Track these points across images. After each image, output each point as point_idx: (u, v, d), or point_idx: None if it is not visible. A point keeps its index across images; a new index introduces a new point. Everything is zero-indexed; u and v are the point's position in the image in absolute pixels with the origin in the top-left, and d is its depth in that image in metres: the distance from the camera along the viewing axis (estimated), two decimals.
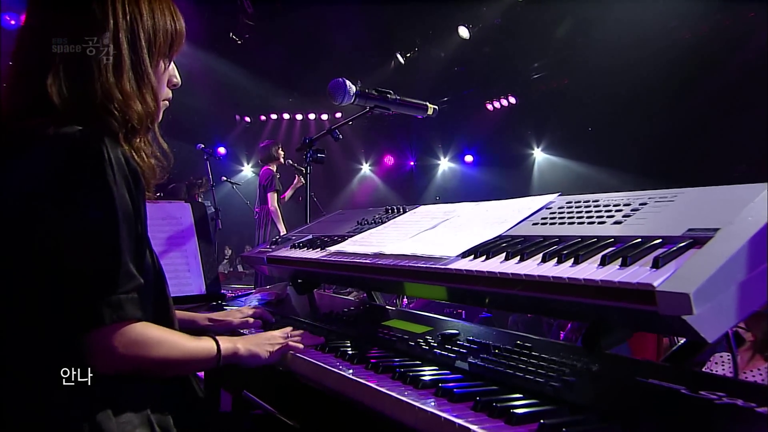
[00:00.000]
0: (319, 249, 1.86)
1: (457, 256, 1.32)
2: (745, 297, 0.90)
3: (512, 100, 10.67)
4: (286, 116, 12.81)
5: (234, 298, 2.20)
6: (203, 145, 6.20)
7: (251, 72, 10.88)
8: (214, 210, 5.77)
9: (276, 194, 6.12)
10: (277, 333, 1.46)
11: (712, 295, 0.87)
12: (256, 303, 2.10)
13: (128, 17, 1.23)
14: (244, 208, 9.05)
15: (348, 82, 2.06)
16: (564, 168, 11.53)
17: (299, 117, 12.86)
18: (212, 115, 12.12)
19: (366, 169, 14.62)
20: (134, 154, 1.22)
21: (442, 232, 1.59)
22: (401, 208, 2.03)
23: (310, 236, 2.17)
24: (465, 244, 1.37)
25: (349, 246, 1.73)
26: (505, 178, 12.16)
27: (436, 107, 2.21)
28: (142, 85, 1.25)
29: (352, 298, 1.95)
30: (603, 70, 8.76)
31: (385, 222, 1.93)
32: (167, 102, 1.37)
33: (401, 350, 1.34)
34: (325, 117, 12.69)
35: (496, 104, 10.86)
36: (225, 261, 12.19)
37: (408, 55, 10.03)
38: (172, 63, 1.35)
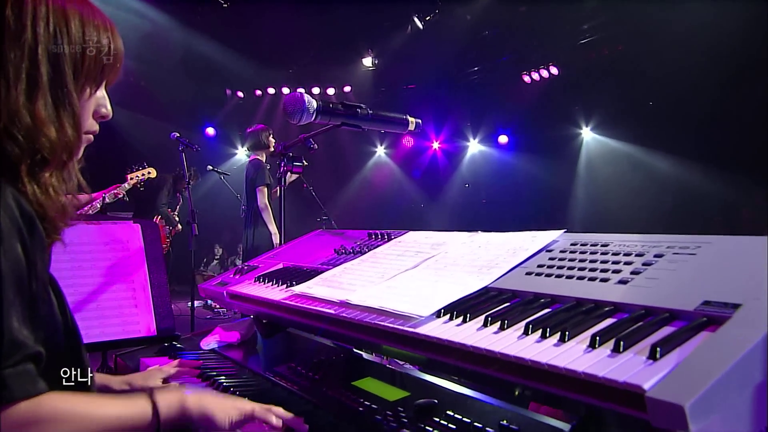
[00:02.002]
0: (285, 286, 1.85)
1: (431, 315, 1.28)
2: (764, 405, 0.85)
3: (554, 70, 10.48)
4: (285, 90, 12.79)
5: (190, 338, 2.19)
6: (178, 134, 6.20)
7: (243, 40, 10.88)
8: (189, 212, 5.79)
9: (266, 189, 6.11)
10: (257, 407, 1.33)
11: (718, 405, 0.81)
12: (215, 345, 2.09)
13: (51, 30, 1.21)
14: (238, 200, 9.11)
15: (307, 97, 2.02)
16: (617, 152, 11.32)
17: (301, 91, 12.82)
18: (198, 90, 12.18)
19: (381, 152, 14.58)
20: (38, 190, 1.19)
21: (422, 275, 1.55)
22: (386, 234, 2.01)
23: (281, 265, 2.15)
24: (443, 297, 1.34)
25: (316, 287, 1.70)
26: (546, 164, 12.02)
27: (419, 121, 2.15)
28: (62, 110, 1.22)
29: (329, 342, 1.92)
30: (667, 34, 8.50)
31: (365, 252, 1.91)
32: (91, 137, 1.34)
33: (367, 426, 1.32)
34: (331, 91, 12.66)
35: (535, 75, 10.67)
36: (215, 262, 12.31)
37: (427, 18, 9.89)
38: (102, 90, 1.33)
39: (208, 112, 12.93)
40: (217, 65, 11.56)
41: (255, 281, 2.03)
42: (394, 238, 1.97)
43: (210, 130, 13.14)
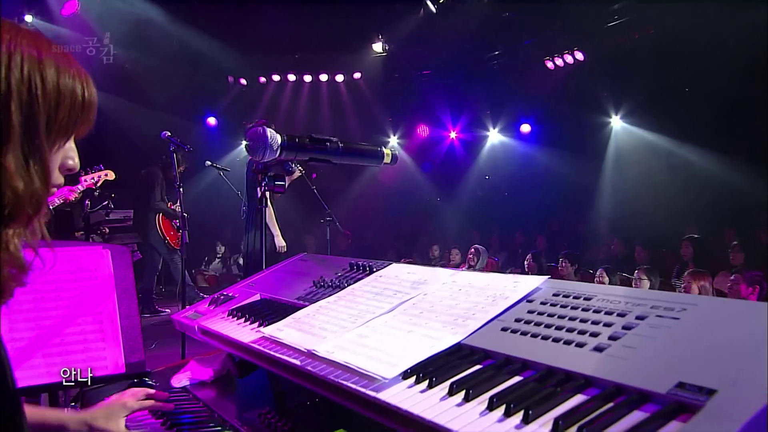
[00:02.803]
0: (257, 324, 1.85)
1: (397, 376, 1.28)
2: None
3: (579, 56, 10.35)
4: (291, 78, 12.79)
5: (163, 371, 2.21)
6: (169, 133, 6.21)
7: (245, 23, 10.89)
8: (180, 217, 5.79)
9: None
10: None
11: None
12: (187, 383, 2.10)
13: (26, 80, 1.20)
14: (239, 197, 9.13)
15: (270, 133, 1.98)
16: (649, 143, 11.17)
17: (308, 78, 12.83)
18: (198, 77, 12.22)
19: (394, 142, 14.54)
20: None
21: (396, 322, 1.55)
22: (368, 266, 2.01)
23: (257, 296, 2.16)
24: (412, 355, 1.33)
25: (286, 330, 1.70)
26: (572, 155, 11.90)
27: (396, 153, 2.12)
28: (32, 163, 1.21)
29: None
30: (702, 14, 8.30)
31: (344, 287, 1.91)
32: (55, 190, 1.34)
33: None
34: (340, 78, 12.65)
35: (558, 61, 10.56)
36: (217, 261, 12.40)
37: (440, 0, 9.83)
38: (71, 142, 1.33)
39: (209, 101, 12.98)
40: (217, 51, 11.58)
41: (228, 315, 2.03)
42: (376, 271, 1.97)
43: (211, 120, 13.20)
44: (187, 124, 12.34)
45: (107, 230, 9.80)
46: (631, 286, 6.71)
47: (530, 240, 11.09)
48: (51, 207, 5.57)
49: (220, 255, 12.44)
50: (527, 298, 1.44)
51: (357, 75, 12.60)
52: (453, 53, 11.68)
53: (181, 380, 2.10)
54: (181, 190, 5.95)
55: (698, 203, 9.81)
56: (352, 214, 13.68)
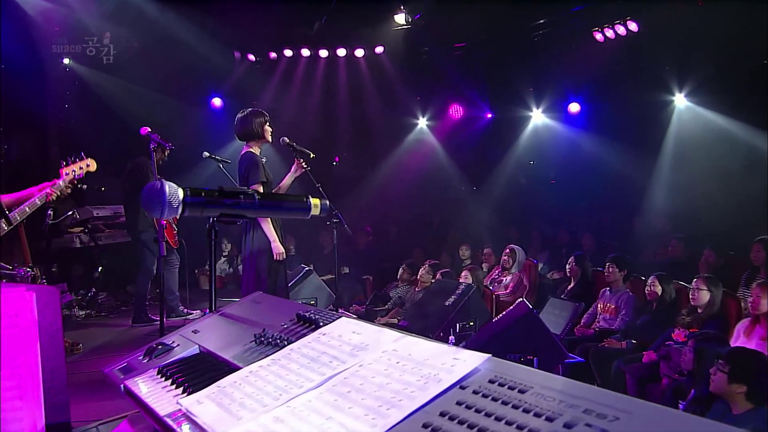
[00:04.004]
0: (181, 390, 1.86)
1: None
2: None
3: (632, 26, 10.14)
4: (305, 53, 12.79)
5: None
6: (150, 129, 6.25)
7: None
8: (157, 227, 5.81)
9: (261, 188, 6.13)
10: None
11: None
12: None
13: None
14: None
15: (169, 188, 1.91)
16: (716, 127, 10.87)
17: (324, 54, 12.81)
18: (201, 53, 12.26)
19: (423, 124, 14.48)
20: None
21: (319, 403, 1.54)
22: (315, 321, 2.01)
23: (196, 349, 2.17)
24: None
25: (206, 403, 1.69)
26: (626, 139, 11.72)
27: (327, 202, 2.07)
28: None
29: None
30: None
31: (283, 345, 1.92)
32: None
33: None
34: (360, 53, 12.60)
35: (608, 32, 10.36)
36: (223, 260, 12.53)
37: None
38: None
39: (214, 80, 13.05)
40: (223, 22, 11.62)
41: (158, 374, 2.04)
42: (322, 326, 1.96)
43: (216, 101, 13.29)
44: (189, 108, 12.48)
45: (104, 228, 10.03)
46: (687, 295, 6.59)
47: (576, 238, 10.93)
48: (31, 208, 5.63)
49: (227, 253, 12.57)
50: (461, 383, 1.41)
51: (379, 49, 12.51)
52: (489, 24, 11.52)
53: None
54: None
55: None
56: (374, 207, 13.71)
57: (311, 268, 9.16)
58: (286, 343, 1.92)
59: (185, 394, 1.80)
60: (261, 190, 6.07)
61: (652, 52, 10.68)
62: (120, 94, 11.47)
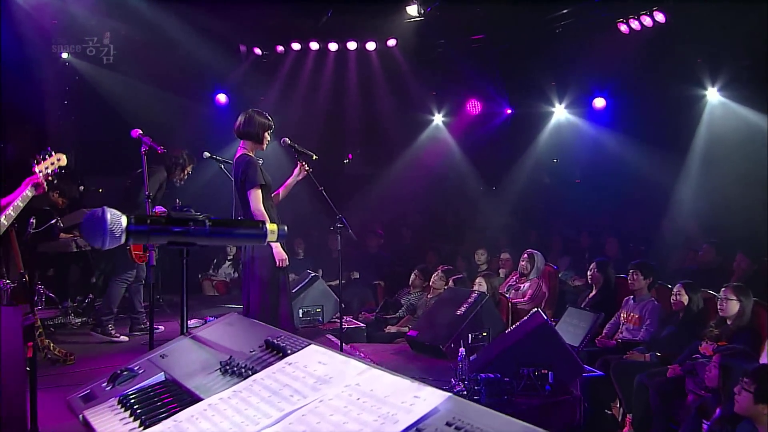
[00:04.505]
0: (137, 424, 1.85)
1: None
2: None
3: (659, 17, 10.03)
4: (314, 46, 12.77)
5: None
6: (141, 132, 6.25)
7: None
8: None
9: (260, 191, 6.12)
10: None
11: None
12: None
13: None
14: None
15: (111, 215, 1.84)
16: (751, 123, 10.73)
17: (333, 47, 12.78)
18: (205, 47, 12.29)
19: (438, 120, 14.43)
20: None
21: None
22: (283, 349, 2.00)
23: (162, 376, 2.17)
24: None
25: None
26: (655, 136, 11.61)
27: (285, 227, 2.04)
28: None
29: None
30: None
31: (248, 375, 1.92)
32: None
33: None
34: (371, 46, 12.55)
35: (634, 24, 10.26)
36: (227, 263, 12.55)
37: None
38: None
39: (219, 75, 13.08)
40: (227, 14, 11.62)
41: (118, 404, 2.04)
42: (290, 354, 1.96)
43: (221, 97, 13.32)
44: (192, 104, 12.52)
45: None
46: (716, 305, 6.50)
47: (599, 243, 10.82)
48: (24, 201, 5.65)
49: (231, 257, 12.58)
50: (418, 425, 1.40)
51: (391, 42, 12.46)
52: (508, 14, 11.44)
53: None
54: (150, 197, 5.97)
55: None
56: (386, 207, 13.69)
57: (317, 274, 9.12)
58: (250, 372, 1.92)
59: (142, 427, 1.79)
60: (259, 193, 6.08)
61: (682, 43, 10.55)
62: (120, 93, 11.54)
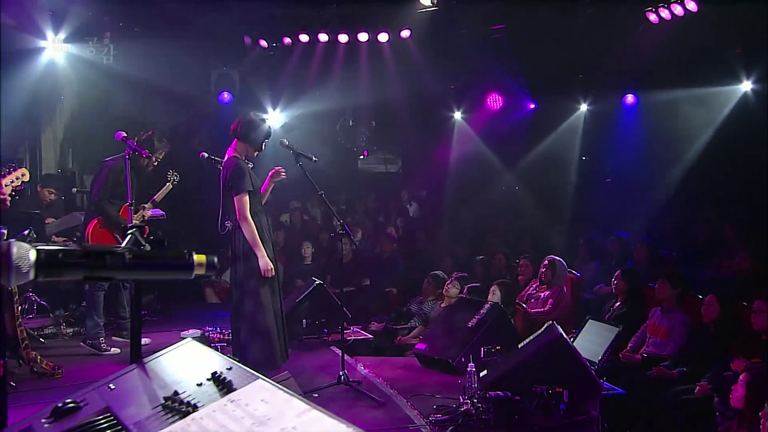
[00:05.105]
0: None
1: None
2: None
3: (690, 5, 9.94)
4: (323, 38, 12.73)
5: None
6: (125, 134, 6.27)
7: None
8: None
9: (247, 197, 6.12)
10: None
11: None
12: None
13: None
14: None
15: (18, 248, 1.75)
16: None
17: (343, 39, 12.73)
18: (207, 38, 12.32)
19: (457, 116, 14.39)
20: None
21: None
22: (227, 383, 1.97)
23: (103, 406, 2.14)
24: None
25: None
26: (688, 131, 11.51)
27: (214, 258, 1.98)
28: None
29: None
30: None
31: (189, 413, 1.93)
32: None
33: None
34: (384, 38, 12.49)
35: (664, 13, 10.17)
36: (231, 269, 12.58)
37: None
38: None
39: (222, 69, 13.10)
40: (231, 5, 11.61)
41: None
42: (235, 390, 1.94)
43: (225, 96, 13.33)
44: (194, 101, 12.56)
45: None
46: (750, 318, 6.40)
47: (628, 248, 10.68)
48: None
49: None
50: None
51: (405, 33, 12.37)
52: (531, 3, 11.36)
53: None
54: (132, 206, 5.98)
55: None
56: (402, 207, 13.65)
57: (321, 282, 9.07)
58: (191, 410, 1.91)
59: None
60: (246, 199, 6.08)
61: (717, 33, 10.43)
62: (120, 92, 11.64)
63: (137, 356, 2.50)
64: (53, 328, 8.93)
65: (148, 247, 2.22)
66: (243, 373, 2.01)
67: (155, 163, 8.07)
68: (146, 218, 7.99)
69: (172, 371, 2.26)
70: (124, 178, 7.23)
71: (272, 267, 6.14)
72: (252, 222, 6.11)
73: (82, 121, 12.14)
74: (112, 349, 8.12)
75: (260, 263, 6.05)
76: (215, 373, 2.05)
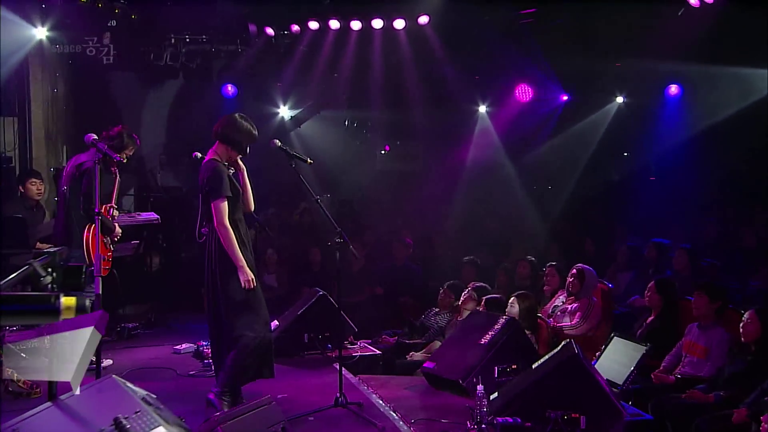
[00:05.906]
0: None
1: None
2: None
3: None
4: (334, 25, 12.67)
5: None
6: (96, 137, 6.24)
7: None
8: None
9: (225, 203, 6.06)
10: None
11: None
12: None
13: None
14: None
15: None
16: None
17: (356, 26, 12.66)
18: (209, 27, 12.32)
19: (482, 109, 14.29)
20: None
21: None
22: (126, 430, 1.88)
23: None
24: None
25: None
26: (741, 127, 11.29)
27: (87, 301, 1.90)
28: None
29: None
30: None
31: None
32: None
33: None
34: (400, 25, 12.38)
35: None
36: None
37: None
38: None
39: (225, 59, 13.07)
40: None
41: None
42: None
43: (229, 88, 13.34)
44: (198, 95, 12.58)
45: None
46: None
47: (666, 255, 10.50)
48: None
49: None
50: None
51: (423, 19, 12.26)
52: None
53: None
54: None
55: None
56: (418, 211, 13.56)
57: (326, 293, 8.96)
58: None
59: None
60: (224, 206, 6.04)
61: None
62: (120, 89, 11.72)
63: (53, 395, 2.44)
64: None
65: (48, 279, 2.15)
66: (146, 419, 1.95)
67: (125, 161, 8.03)
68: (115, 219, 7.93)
69: (81, 413, 2.22)
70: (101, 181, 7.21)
71: (253, 277, 6.09)
72: (230, 229, 6.06)
73: (75, 118, 12.22)
74: (105, 361, 8.10)
75: (240, 274, 6.01)
76: (117, 419, 2.00)
